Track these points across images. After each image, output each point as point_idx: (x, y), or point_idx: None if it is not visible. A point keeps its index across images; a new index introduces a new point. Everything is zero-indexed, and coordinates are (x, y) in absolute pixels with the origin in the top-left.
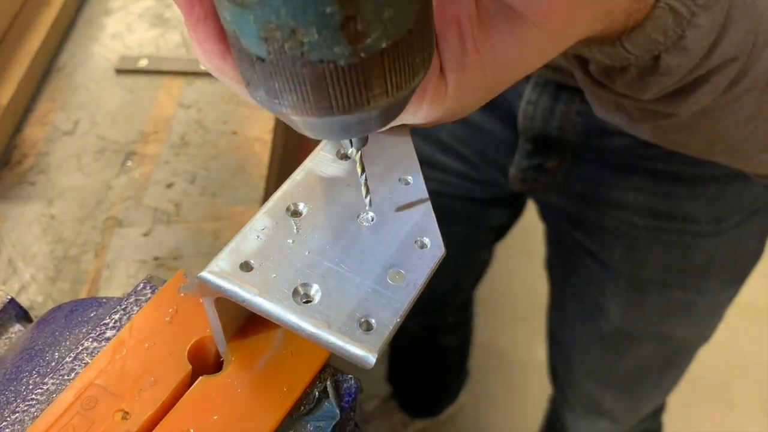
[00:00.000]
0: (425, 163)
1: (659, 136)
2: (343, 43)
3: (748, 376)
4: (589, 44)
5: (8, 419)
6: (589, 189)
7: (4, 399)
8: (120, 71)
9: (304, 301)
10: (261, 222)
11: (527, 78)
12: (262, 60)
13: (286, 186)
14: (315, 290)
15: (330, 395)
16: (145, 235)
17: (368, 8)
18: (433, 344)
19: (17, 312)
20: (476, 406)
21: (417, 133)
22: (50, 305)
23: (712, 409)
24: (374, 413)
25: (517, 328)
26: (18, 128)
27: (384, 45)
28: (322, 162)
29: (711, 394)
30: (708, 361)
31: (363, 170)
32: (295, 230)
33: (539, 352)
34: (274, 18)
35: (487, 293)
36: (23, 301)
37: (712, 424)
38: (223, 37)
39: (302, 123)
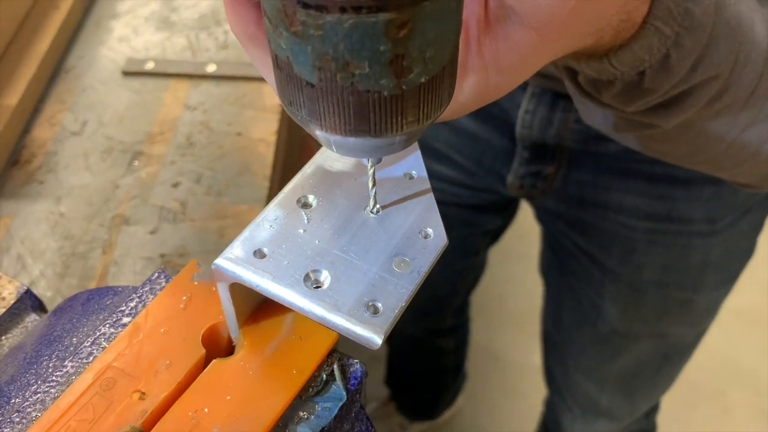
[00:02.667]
0: None
1: (642, 144)
2: (389, 76)
3: (743, 381)
4: (579, 58)
5: (30, 399)
6: (587, 193)
7: (26, 381)
8: (127, 73)
9: (314, 286)
10: (273, 213)
11: (524, 88)
12: (312, 86)
13: (296, 179)
14: (325, 276)
15: (337, 378)
16: (152, 232)
17: (415, 47)
18: (431, 347)
19: (33, 302)
20: (474, 410)
21: None
22: (59, 300)
23: (708, 414)
24: (372, 416)
25: (514, 331)
26: (27, 128)
27: (423, 80)
28: (330, 157)
29: (706, 400)
30: (704, 367)
31: (374, 184)
32: (305, 220)
33: (536, 356)
34: (331, 51)
35: (484, 298)
36: None
37: (707, 429)
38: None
39: (331, 140)
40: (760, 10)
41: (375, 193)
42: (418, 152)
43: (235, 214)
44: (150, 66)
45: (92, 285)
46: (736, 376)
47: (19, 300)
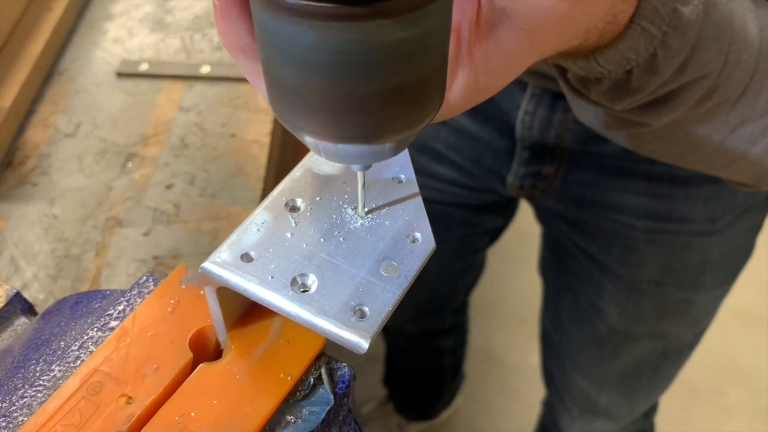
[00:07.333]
0: (422, 174)
1: (633, 143)
2: (378, 83)
3: (742, 381)
4: (566, 57)
5: (17, 404)
6: (586, 193)
7: (13, 385)
8: (121, 75)
9: (301, 290)
10: (261, 216)
11: (524, 89)
12: (301, 93)
13: (285, 183)
14: (312, 280)
15: (324, 382)
16: (145, 234)
17: (404, 55)
18: (430, 347)
19: (22, 305)
20: (472, 410)
21: (412, 144)
22: (52, 303)
23: (707, 414)
24: (370, 416)
25: (512, 332)
26: (20, 130)
27: (412, 86)
28: (319, 160)
29: (705, 400)
30: (702, 367)
31: (363, 188)
32: (293, 224)
33: (534, 356)
34: (319, 59)
35: (482, 298)
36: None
37: (705, 429)
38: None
39: (321, 147)
40: (753, 9)
41: (363, 197)
42: (407, 155)
43: (229, 215)
44: (144, 68)
45: (85, 287)
46: (735, 376)
47: (9, 303)
